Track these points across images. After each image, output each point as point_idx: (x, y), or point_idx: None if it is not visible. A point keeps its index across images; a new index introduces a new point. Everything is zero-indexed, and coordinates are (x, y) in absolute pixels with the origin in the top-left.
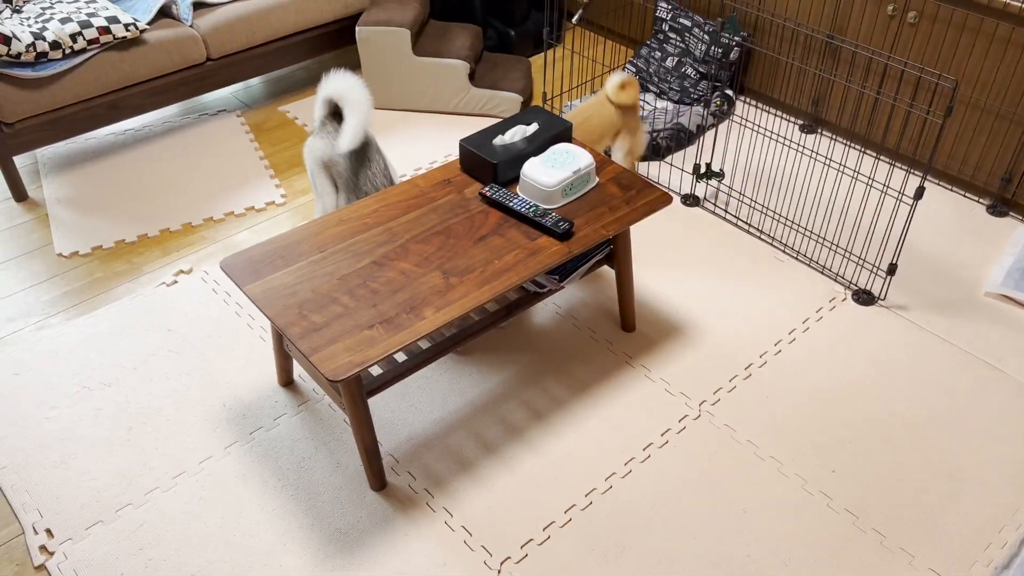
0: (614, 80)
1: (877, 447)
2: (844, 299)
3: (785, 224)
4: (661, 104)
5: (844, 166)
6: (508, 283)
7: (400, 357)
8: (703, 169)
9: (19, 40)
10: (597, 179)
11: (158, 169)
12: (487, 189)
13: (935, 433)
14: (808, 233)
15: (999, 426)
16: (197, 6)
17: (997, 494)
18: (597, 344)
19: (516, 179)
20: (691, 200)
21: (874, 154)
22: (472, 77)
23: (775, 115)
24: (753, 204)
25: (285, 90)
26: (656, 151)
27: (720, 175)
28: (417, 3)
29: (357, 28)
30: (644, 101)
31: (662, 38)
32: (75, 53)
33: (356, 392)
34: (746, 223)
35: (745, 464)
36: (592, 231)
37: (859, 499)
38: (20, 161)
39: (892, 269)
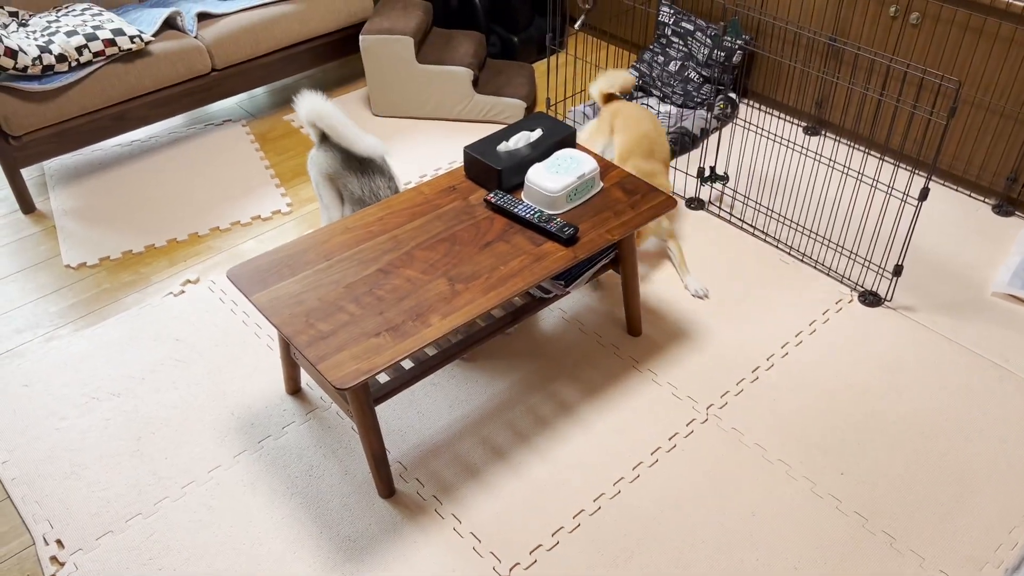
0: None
1: (886, 449)
2: (850, 301)
3: (790, 226)
4: (664, 108)
5: (848, 168)
6: (514, 289)
7: (407, 364)
8: (707, 172)
9: (25, 53)
10: (601, 184)
11: (164, 180)
12: (492, 195)
13: (944, 434)
14: (813, 235)
15: (1008, 426)
16: (202, 17)
17: (1007, 494)
18: (603, 349)
19: (521, 185)
20: (696, 204)
21: (878, 155)
22: (476, 84)
23: (779, 118)
24: (758, 207)
25: (290, 99)
26: None
27: (724, 178)
28: (420, 11)
29: (361, 37)
30: (647, 105)
31: (665, 42)
32: (81, 66)
33: (363, 400)
34: (751, 226)
35: (753, 467)
36: (597, 236)
37: (868, 501)
38: (27, 174)
39: (898, 270)
